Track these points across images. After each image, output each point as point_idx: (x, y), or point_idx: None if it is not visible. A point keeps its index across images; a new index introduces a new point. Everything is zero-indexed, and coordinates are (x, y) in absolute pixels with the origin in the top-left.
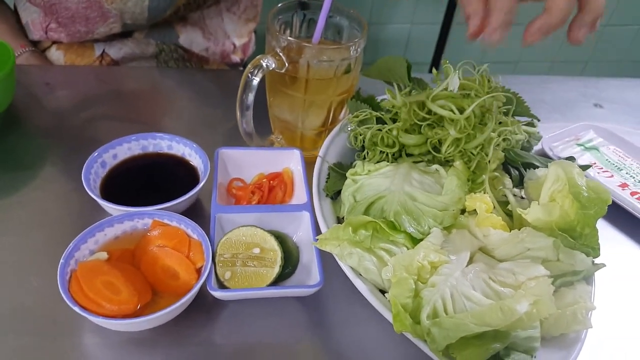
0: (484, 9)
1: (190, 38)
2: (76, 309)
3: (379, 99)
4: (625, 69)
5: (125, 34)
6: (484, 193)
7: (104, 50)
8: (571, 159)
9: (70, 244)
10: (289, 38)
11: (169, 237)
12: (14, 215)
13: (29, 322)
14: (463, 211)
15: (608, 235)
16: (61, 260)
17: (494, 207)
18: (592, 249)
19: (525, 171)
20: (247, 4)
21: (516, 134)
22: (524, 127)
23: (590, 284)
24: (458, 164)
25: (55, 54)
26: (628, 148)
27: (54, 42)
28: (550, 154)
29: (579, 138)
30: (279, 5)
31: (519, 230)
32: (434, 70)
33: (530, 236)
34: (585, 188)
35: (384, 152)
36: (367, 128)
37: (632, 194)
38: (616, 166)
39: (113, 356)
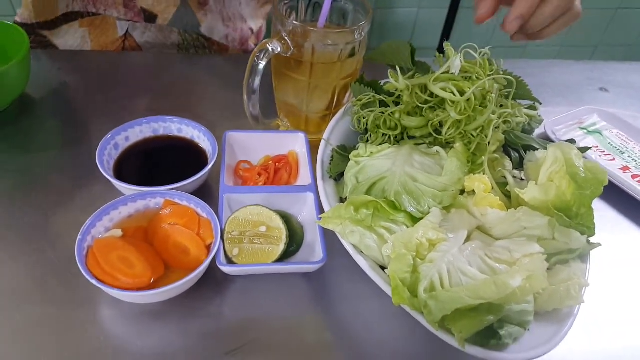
0: (495, 5)
1: (211, 26)
2: (93, 281)
3: (382, 82)
4: (636, 53)
5: (148, 19)
6: (484, 174)
7: (127, 31)
8: (571, 141)
9: (87, 222)
10: (294, 22)
11: (180, 216)
12: (31, 194)
13: (49, 294)
14: (462, 191)
15: (609, 218)
16: (79, 237)
17: (492, 188)
18: (588, 228)
19: (525, 153)
20: None
21: (517, 116)
22: (525, 111)
23: (586, 262)
24: (458, 145)
25: (80, 31)
26: (631, 132)
27: (75, 19)
28: (553, 137)
29: (582, 122)
30: None
31: (516, 209)
32: (436, 53)
33: (526, 215)
34: (582, 169)
35: (386, 135)
36: (370, 111)
37: (634, 177)
38: (618, 149)
39: (128, 327)
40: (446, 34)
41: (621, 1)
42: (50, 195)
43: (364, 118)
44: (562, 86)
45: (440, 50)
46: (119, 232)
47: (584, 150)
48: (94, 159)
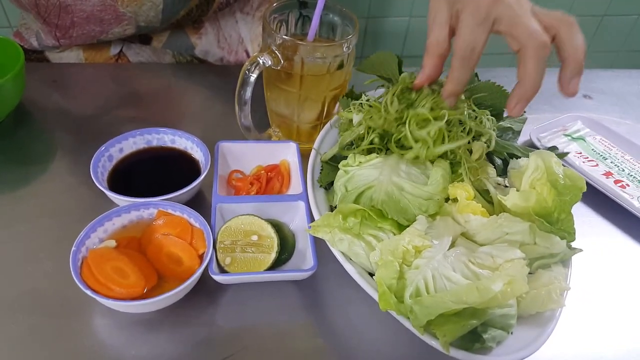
0: (440, 66)
1: (205, 49)
2: (88, 292)
3: (370, 94)
4: (623, 59)
5: (143, 40)
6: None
7: (121, 50)
8: (553, 149)
9: (81, 233)
10: (283, 36)
11: (172, 226)
12: (27, 206)
13: (43, 304)
14: (447, 199)
15: (592, 222)
16: (73, 248)
17: (475, 195)
18: (568, 234)
19: (509, 159)
20: (259, 1)
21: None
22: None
23: (567, 267)
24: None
25: (74, 50)
26: (614, 138)
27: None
28: (537, 144)
29: (566, 129)
30: (275, 4)
31: (498, 216)
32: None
33: (507, 221)
34: (562, 176)
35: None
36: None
37: (616, 182)
38: (601, 155)
39: (122, 336)
40: None
41: (607, 8)
42: (45, 206)
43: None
44: (548, 93)
45: None
46: (112, 243)
47: (563, 155)
48: (88, 170)
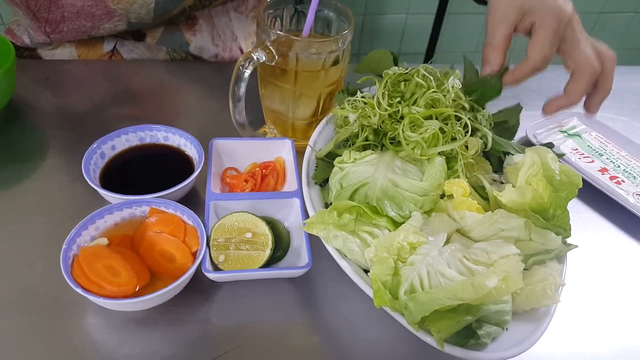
0: (504, 59)
1: (200, 45)
2: (78, 290)
3: (365, 91)
4: (619, 56)
5: (136, 37)
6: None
7: (115, 47)
8: (550, 145)
9: (72, 231)
10: (278, 32)
11: (165, 224)
12: (18, 204)
13: (35, 303)
14: (443, 195)
15: (587, 218)
16: (64, 246)
17: (470, 192)
18: (564, 230)
19: (505, 157)
20: (254, 2)
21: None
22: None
23: (562, 263)
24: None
25: (67, 47)
26: (609, 134)
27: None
28: (533, 140)
29: (562, 125)
30: (270, 0)
31: (493, 212)
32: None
33: (503, 217)
34: (558, 172)
35: (368, 141)
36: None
37: (611, 178)
38: (597, 152)
39: (114, 334)
40: (434, 39)
41: (603, 6)
42: (37, 203)
43: (346, 117)
44: (544, 90)
45: (428, 55)
46: (104, 241)
47: (559, 156)
48: (81, 168)
